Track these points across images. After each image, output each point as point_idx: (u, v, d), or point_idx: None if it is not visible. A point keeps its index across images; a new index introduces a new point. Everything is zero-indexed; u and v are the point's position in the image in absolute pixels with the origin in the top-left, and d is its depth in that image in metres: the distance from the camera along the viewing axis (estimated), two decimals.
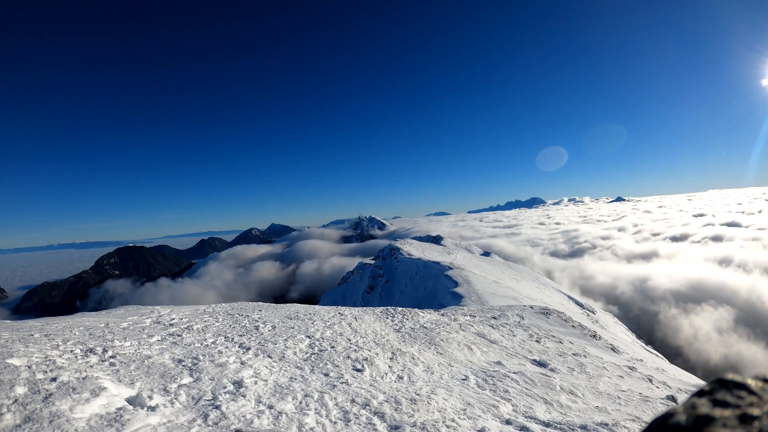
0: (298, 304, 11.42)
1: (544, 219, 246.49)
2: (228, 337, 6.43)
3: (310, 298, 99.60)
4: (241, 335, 6.58)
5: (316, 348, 6.14)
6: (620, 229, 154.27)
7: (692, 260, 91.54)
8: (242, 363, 5.00)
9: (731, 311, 62.54)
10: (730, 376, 1.14)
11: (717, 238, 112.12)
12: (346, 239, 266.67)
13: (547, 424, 4.09)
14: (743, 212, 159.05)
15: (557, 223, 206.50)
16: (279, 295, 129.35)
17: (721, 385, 1.14)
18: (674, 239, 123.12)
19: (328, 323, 8.09)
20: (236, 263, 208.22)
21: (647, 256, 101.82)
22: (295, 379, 4.73)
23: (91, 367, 4.14)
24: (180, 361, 4.81)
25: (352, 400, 4.15)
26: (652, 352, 23.63)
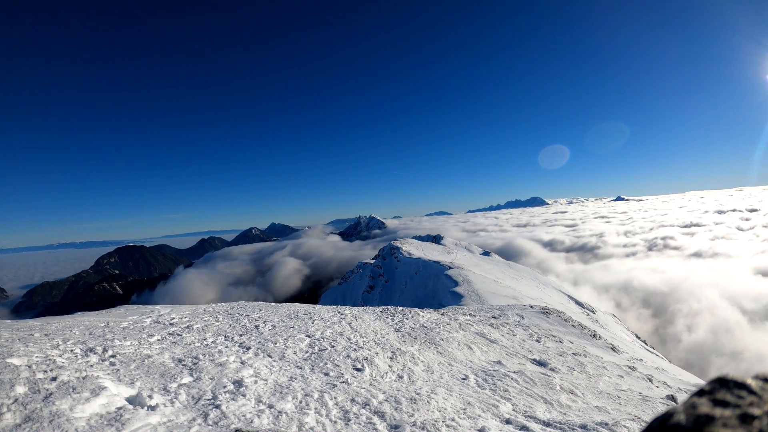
0: (298, 304, 11.43)
1: (545, 218, 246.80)
2: (228, 336, 6.43)
3: (310, 297, 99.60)
4: (241, 335, 6.58)
5: (316, 347, 6.13)
6: (621, 229, 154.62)
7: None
8: (242, 362, 5.00)
9: None
10: (731, 375, 1.14)
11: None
12: (346, 238, 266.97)
13: (547, 424, 4.09)
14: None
15: (563, 225, 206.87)
16: (279, 295, 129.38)
17: (721, 384, 1.14)
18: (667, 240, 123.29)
19: (328, 323, 8.09)
20: (236, 263, 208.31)
21: (647, 255, 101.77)
22: (295, 378, 4.73)
23: (91, 366, 4.14)
24: (180, 360, 4.81)
25: (352, 400, 4.14)
26: (652, 352, 23.63)
